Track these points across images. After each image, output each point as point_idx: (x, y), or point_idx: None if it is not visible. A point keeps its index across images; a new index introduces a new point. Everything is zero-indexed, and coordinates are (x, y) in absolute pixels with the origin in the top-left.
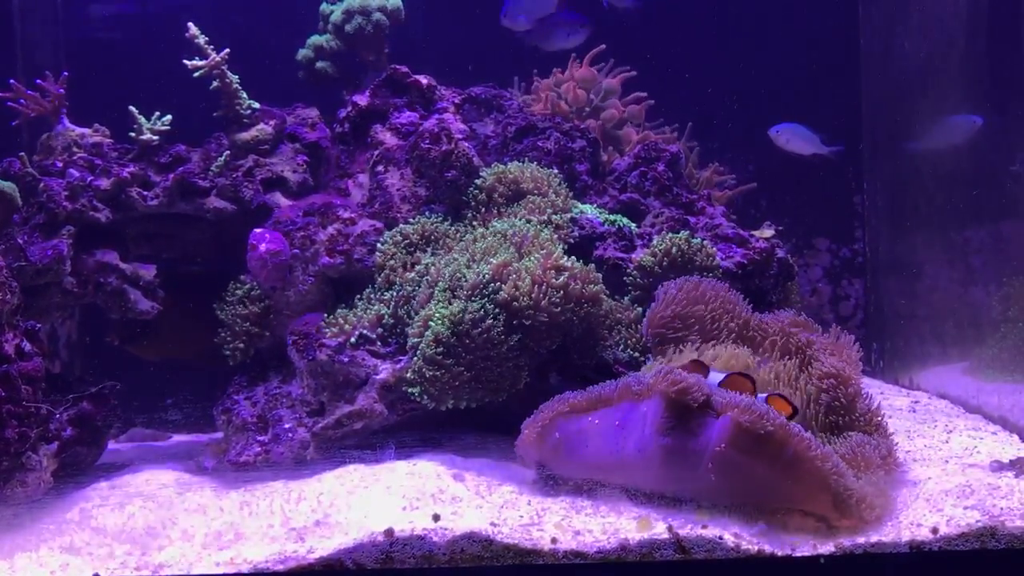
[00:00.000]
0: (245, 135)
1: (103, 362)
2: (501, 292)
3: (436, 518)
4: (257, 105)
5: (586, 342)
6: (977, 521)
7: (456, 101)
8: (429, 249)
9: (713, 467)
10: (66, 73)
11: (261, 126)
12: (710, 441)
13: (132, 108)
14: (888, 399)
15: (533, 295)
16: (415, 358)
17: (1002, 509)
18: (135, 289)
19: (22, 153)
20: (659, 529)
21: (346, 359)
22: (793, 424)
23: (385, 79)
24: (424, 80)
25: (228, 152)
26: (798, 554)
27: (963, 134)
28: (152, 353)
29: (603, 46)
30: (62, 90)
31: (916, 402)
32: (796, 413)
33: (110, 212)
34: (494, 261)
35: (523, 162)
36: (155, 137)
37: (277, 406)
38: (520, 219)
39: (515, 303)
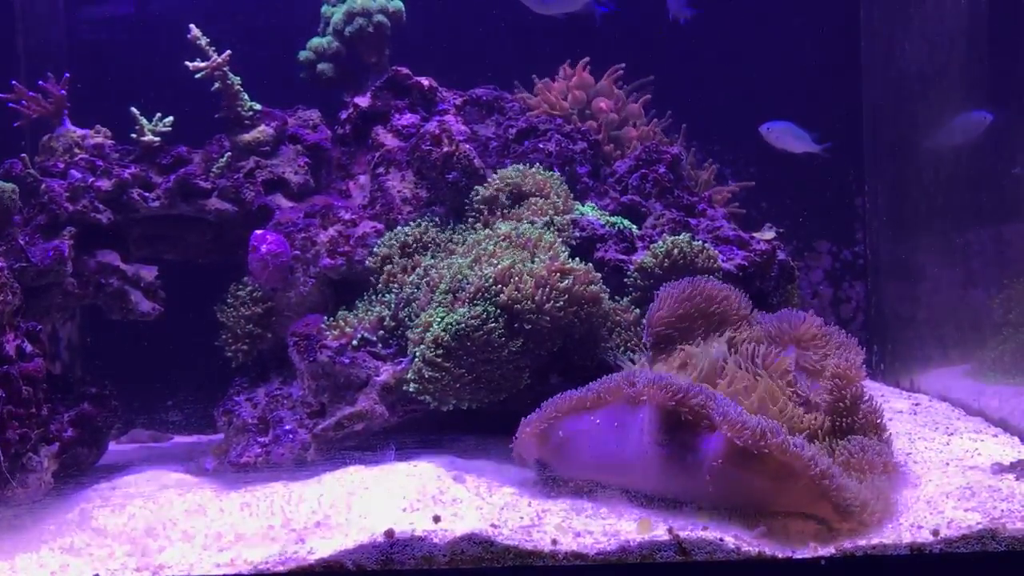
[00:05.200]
0: (246, 136)
1: (104, 363)
2: (503, 295)
3: (437, 519)
4: (258, 106)
5: (587, 344)
6: (978, 523)
7: (457, 103)
8: (429, 252)
9: (711, 480)
10: (67, 75)
11: (262, 127)
12: (707, 455)
13: (133, 109)
14: (889, 402)
15: (536, 298)
16: (415, 360)
17: (1003, 511)
18: (136, 290)
19: (24, 154)
20: (660, 531)
21: (347, 361)
22: (790, 439)
23: (386, 81)
24: (425, 82)
25: (229, 153)
26: (799, 556)
27: (973, 131)
28: None
29: (588, 58)
30: (63, 91)
31: (917, 404)
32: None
33: (111, 213)
34: (497, 264)
35: (524, 164)
36: (156, 138)
37: (278, 407)
38: (523, 222)
39: (516, 306)
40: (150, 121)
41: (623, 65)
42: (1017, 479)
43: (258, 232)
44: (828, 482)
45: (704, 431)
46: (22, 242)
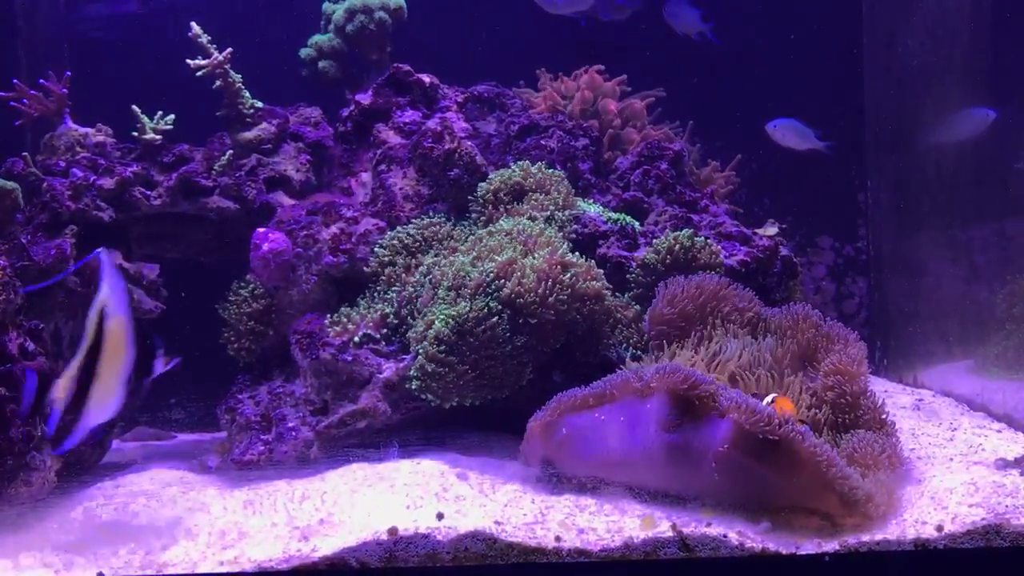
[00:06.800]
0: (248, 134)
1: None
2: (504, 289)
3: (440, 517)
4: (260, 104)
5: (590, 340)
6: (982, 519)
7: (459, 100)
8: (431, 250)
9: (716, 467)
10: (69, 73)
11: (264, 125)
12: (713, 441)
13: (135, 107)
14: (892, 397)
15: (539, 291)
16: (418, 356)
17: (1007, 507)
18: (138, 288)
19: (25, 153)
20: (663, 527)
21: (349, 358)
22: (797, 427)
23: (388, 78)
24: (427, 79)
25: (231, 151)
26: (803, 552)
27: (976, 128)
28: None
29: (602, 66)
30: (65, 90)
31: (920, 400)
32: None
33: (113, 212)
34: (499, 259)
35: (525, 161)
36: (158, 136)
37: (281, 405)
38: (524, 217)
39: (519, 300)
40: (151, 119)
41: (625, 76)
42: (1022, 474)
43: (260, 230)
44: (835, 470)
45: (712, 419)
46: (24, 241)
